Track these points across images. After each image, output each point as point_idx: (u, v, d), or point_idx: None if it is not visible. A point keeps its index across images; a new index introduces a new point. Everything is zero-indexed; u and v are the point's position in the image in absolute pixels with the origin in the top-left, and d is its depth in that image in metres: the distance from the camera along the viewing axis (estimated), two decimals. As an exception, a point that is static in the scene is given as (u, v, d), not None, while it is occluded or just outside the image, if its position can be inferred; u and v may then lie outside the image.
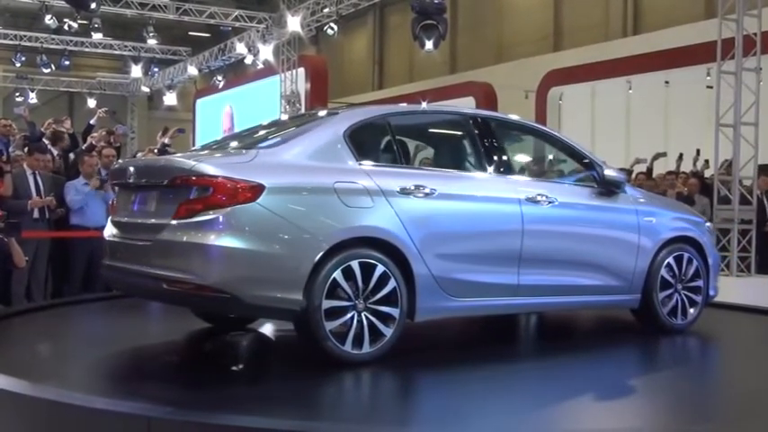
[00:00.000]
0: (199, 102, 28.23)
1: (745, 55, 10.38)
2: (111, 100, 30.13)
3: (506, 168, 5.37)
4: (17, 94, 29.63)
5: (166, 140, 10.53)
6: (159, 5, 22.23)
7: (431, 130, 5.85)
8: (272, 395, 4.15)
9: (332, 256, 4.43)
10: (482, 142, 5.35)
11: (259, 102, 22.88)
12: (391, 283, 4.61)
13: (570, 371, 4.89)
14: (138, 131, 31.94)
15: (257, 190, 4.33)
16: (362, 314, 4.52)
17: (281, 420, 3.48)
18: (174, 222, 4.39)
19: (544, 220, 5.31)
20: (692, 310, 5.99)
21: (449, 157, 5.74)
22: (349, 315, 4.49)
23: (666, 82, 16.54)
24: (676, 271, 5.92)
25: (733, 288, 9.62)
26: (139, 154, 10.27)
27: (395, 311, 4.62)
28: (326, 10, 20.15)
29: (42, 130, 10.20)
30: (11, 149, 9.40)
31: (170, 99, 27.91)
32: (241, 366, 5.12)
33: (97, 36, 22.20)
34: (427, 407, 4.18)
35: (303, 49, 21.96)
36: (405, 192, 4.76)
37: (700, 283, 6.04)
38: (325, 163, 4.70)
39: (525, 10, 23.15)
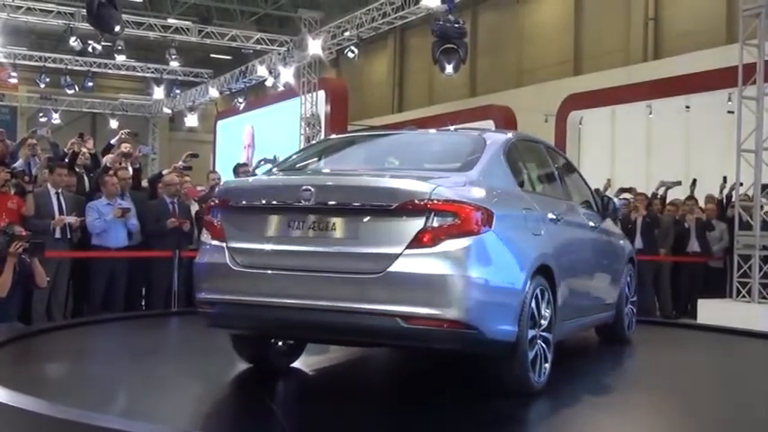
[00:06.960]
0: (220, 123, 28.45)
1: (766, 80, 10.31)
2: (133, 121, 30.40)
3: (571, 195, 5.75)
4: (41, 114, 29.95)
5: (180, 164, 10.49)
6: (182, 28, 22.49)
7: (537, 158, 5.75)
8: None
9: (530, 284, 4.33)
10: (561, 172, 5.72)
11: (279, 124, 23.02)
12: (550, 309, 4.59)
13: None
14: (159, 152, 32.15)
15: (492, 217, 4.13)
16: (538, 341, 4.47)
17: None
18: (411, 251, 3.98)
19: (597, 242, 5.80)
20: (634, 322, 6.64)
21: (550, 184, 5.71)
22: (536, 344, 4.43)
23: (687, 107, 16.43)
24: (630, 288, 6.49)
25: (755, 315, 9.52)
26: (164, 171, 10.24)
27: (550, 336, 4.61)
28: (347, 33, 20.25)
29: (66, 150, 10.28)
30: (34, 170, 9.49)
31: (191, 120, 28.21)
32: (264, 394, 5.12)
33: (120, 58, 22.42)
34: None
35: (323, 71, 22.09)
36: (551, 219, 4.86)
37: (635, 298, 6.67)
38: (506, 187, 4.63)
39: (546, 34, 23.17)
